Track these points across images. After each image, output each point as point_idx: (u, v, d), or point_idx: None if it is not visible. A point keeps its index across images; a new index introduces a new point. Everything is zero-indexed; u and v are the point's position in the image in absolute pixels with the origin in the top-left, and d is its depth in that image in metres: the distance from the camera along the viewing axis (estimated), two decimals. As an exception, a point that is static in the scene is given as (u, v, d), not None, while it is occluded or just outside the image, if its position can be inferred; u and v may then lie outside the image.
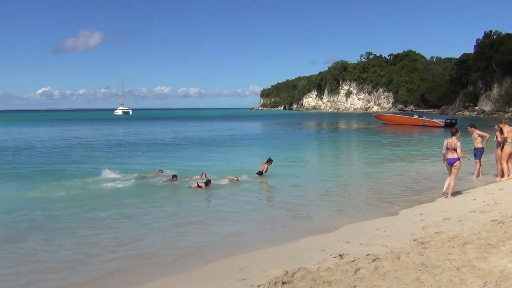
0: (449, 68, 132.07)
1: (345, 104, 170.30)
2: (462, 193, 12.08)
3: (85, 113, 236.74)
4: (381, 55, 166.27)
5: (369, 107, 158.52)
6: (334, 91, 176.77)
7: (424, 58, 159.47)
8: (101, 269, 7.21)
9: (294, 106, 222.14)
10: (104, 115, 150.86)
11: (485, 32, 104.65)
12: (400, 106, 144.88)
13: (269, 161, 15.98)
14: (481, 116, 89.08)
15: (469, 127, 14.50)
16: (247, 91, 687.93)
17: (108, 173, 16.23)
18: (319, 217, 10.51)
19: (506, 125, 13.81)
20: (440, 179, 15.20)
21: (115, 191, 13.67)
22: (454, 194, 11.76)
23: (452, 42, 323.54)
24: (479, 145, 14.19)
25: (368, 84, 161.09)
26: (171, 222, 10.19)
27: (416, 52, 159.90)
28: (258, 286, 5.45)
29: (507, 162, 13.62)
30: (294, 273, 5.69)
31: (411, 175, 16.55)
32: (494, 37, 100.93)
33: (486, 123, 46.08)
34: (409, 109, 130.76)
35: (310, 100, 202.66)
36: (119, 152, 26.81)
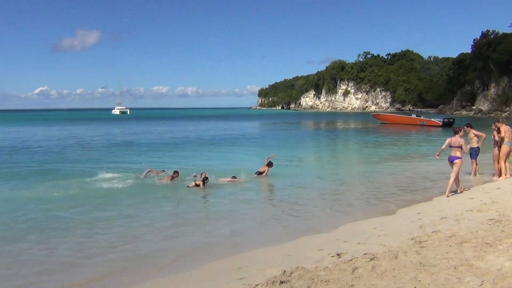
0: (447, 68, 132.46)
1: (343, 104, 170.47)
2: (460, 192, 12.11)
3: (82, 112, 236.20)
4: (378, 55, 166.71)
5: (367, 106, 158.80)
6: (332, 90, 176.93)
7: (422, 57, 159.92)
8: (99, 269, 7.20)
9: (292, 105, 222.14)
10: (101, 115, 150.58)
11: (482, 31, 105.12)
12: (397, 105, 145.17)
13: (270, 164, 15.99)
14: (479, 115, 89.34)
15: (465, 127, 14.55)
16: (244, 90, 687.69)
17: (105, 173, 16.20)
18: (317, 217, 10.52)
19: (504, 125, 13.86)
20: (437, 178, 15.27)
21: (112, 191, 13.64)
22: (452, 193, 11.82)
23: (449, 42, 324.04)
24: (475, 144, 14.22)
25: (365, 84, 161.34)
26: (169, 222, 10.18)
27: (414, 51, 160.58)
28: (256, 285, 5.45)
29: (504, 162, 13.67)
30: (292, 273, 5.70)
31: (409, 174, 16.59)
32: (491, 36, 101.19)
33: (484, 122, 46.23)
34: (406, 109, 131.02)
35: (307, 100, 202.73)
36: (116, 152, 26.75)
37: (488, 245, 6.12)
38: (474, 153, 14.30)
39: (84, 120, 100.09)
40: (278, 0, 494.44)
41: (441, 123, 50.78)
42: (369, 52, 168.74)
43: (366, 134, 43.23)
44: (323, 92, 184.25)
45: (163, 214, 10.84)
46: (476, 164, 14.63)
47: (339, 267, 5.83)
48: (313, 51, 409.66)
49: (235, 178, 14.96)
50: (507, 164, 13.78)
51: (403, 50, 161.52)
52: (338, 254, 6.60)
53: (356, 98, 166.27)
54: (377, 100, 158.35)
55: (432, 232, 7.39)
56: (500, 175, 13.73)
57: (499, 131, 13.75)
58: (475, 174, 14.59)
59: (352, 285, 5.05)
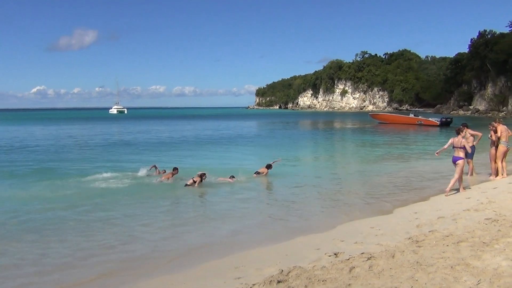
0: (444, 68, 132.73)
1: (340, 103, 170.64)
2: (456, 191, 12.14)
3: (80, 112, 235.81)
4: (376, 55, 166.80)
5: (364, 106, 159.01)
6: (329, 90, 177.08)
7: (419, 57, 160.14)
8: (96, 269, 7.18)
9: (290, 105, 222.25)
10: (99, 114, 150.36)
11: (479, 31, 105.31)
12: (395, 105, 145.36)
13: (269, 166, 15.98)
14: (476, 115, 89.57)
15: (461, 127, 14.59)
16: (242, 90, 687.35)
17: (102, 173, 16.17)
18: (314, 216, 10.53)
19: (500, 124, 13.89)
20: (434, 178, 15.32)
21: (109, 191, 13.60)
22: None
23: (446, 42, 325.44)
24: (471, 144, 14.25)
25: (363, 83, 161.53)
26: (166, 221, 10.17)
27: (411, 51, 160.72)
28: (253, 285, 5.46)
29: (501, 161, 13.71)
30: (289, 272, 5.70)
31: (406, 173, 16.61)
32: (489, 36, 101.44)
33: (481, 122, 46.36)
34: (404, 108, 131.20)
35: (305, 99, 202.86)
36: (113, 151, 26.70)
37: (485, 245, 6.14)
38: (470, 152, 14.33)
39: (81, 119, 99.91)
40: (275, 0, 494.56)
41: (438, 123, 50.91)
42: (366, 51, 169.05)
43: (364, 134, 43.29)
44: (321, 91, 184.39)
45: (161, 214, 10.83)
46: (470, 164, 14.63)
47: (336, 266, 5.84)
48: (310, 50, 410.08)
49: (233, 177, 14.97)
50: (504, 164, 13.82)
51: (401, 49, 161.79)
52: (335, 254, 6.61)
53: (354, 98, 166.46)
54: (375, 100, 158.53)
55: (429, 231, 7.41)
56: (497, 174, 13.77)
57: (496, 131, 13.78)
58: (471, 174, 14.63)
59: (349, 285, 5.06)
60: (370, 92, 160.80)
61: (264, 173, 15.78)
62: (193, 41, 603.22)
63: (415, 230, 7.83)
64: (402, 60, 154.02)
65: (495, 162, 13.78)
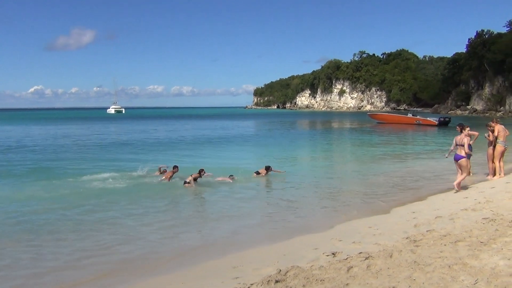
0: (442, 67, 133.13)
1: (338, 103, 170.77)
2: (454, 191, 12.17)
3: (77, 111, 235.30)
4: (374, 54, 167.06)
5: (362, 106, 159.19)
6: (327, 90, 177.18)
7: (417, 57, 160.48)
8: (95, 270, 7.18)
9: (288, 105, 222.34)
10: (96, 114, 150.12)
11: (477, 31, 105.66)
12: (393, 105, 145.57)
13: (268, 168, 15.97)
14: (473, 115, 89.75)
15: (457, 127, 14.64)
16: (240, 90, 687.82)
17: (100, 173, 16.16)
18: (312, 216, 10.54)
19: (498, 124, 13.91)
20: (433, 177, 15.35)
21: (107, 191, 13.57)
22: (446, 191, 11.89)
23: (444, 42, 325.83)
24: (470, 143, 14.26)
25: (361, 83, 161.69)
26: (164, 221, 10.16)
27: (409, 51, 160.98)
28: (251, 284, 5.46)
29: (499, 161, 13.73)
30: (287, 272, 5.70)
31: (403, 173, 16.64)
32: (486, 36, 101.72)
33: (478, 122, 46.45)
34: (401, 108, 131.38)
35: (303, 99, 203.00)
36: (111, 151, 26.67)
37: (482, 244, 6.15)
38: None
39: (79, 119, 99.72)
40: (274, 0, 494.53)
41: (437, 123, 51.03)
42: (364, 51, 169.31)
43: (362, 134, 43.34)
44: (319, 91, 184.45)
45: (159, 214, 10.81)
46: (468, 163, 14.64)
47: (334, 266, 5.84)
48: (309, 50, 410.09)
49: (233, 177, 14.98)
50: (502, 164, 13.85)
51: (398, 49, 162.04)
52: (333, 253, 6.61)
53: (352, 98, 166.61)
54: (372, 100, 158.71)
55: (427, 231, 7.42)
56: (494, 174, 13.79)
57: (493, 131, 13.80)
58: (468, 174, 14.62)
59: (347, 284, 5.07)
60: (368, 92, 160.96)
61: (263, 174, 15.79)
62: (191, 40, 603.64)
63: (413, 229, 7.84)
64: (400, 60, 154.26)
65: (493, 161, 13.80)
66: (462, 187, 12.18)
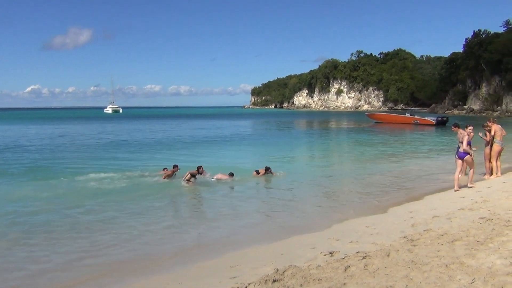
0: (439, 67, 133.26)
1: (336, 103, 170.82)
2: (451, 190, 12.20)
3: (74, 111, 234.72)
4: (371, 54, 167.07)
5: (360, 105, 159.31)
6: (325, 89, 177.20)
7: (414, 57, 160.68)
8: (92, 269, 7.17)
9: (285, 104, 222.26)
10: (93, 114, 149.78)
11: (474, 31, 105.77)
12: (390, 104, 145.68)
13: (268, 169, 15.97)
14: (470, 114, 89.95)
15: (452, 127, 14.68)
16: (238, 89, 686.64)
17: (97, 172, 16.14)
18: (309, 215, 10.54)
19: (495, 124, 13.94)
20: (429, 177, 15.38)
21: (105, 190, 13.54)
22: (442, 191, 11.93)
23: (441, 41, 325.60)
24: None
25: (358, 83, 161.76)
26: (162, 220, 10.15)
27: (406, 50, 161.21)
28: (249, 284, 5.45)
29: (496, 160, 13.76)
30: (285, 271, 5.71)
31: (401, 173, 16.67)
32: (483, 36, 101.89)
33: (475, 121, 46.50)
34: (399, 108, 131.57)
35: (301, 99, 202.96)
36: (108, 151, 26.62)
37: (479, 244, 6.17)
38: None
39: (76, 119, 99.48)
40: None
41: (435, 122, 51.14)
42: (362, 51, 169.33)
43: (360, 133, 43.35)
44: (316, 91, 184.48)
45: (157, 213, 10.80)
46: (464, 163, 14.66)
47: (331, 265, 5.84)
48: (306, 50, 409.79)
49: (232, 175, 15.00)
50: (499, 163, 13.89)
51: (396, 49, 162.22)
52: (330, 253, 6.62)
53: (349, 97, 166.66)
54: (370, 99, 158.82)
55: (424, 230, 7.44)
56: (491, 173, 13.82)
57: (490, 130, 13.83)
58: (464, 174, 14.61)
59: (344, 284, 5.07)
60: (365, 92, 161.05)
61: (262, 174, 15.80)
62: (189, 40, 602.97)
63: (410, 229, 7.86)
64: (397, 59, 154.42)
65: (490, 161, 13.84)
66: (460, 186, 12.22)
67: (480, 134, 13.99)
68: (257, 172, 15.77)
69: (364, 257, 6.01)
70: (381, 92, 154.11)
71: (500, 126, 13.93)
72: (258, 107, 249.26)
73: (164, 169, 15.59)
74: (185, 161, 19.90)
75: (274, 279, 5.43)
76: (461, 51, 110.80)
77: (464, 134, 12.27)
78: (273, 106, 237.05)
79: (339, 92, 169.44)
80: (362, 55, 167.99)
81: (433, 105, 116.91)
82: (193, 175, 14.24)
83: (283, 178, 15.64)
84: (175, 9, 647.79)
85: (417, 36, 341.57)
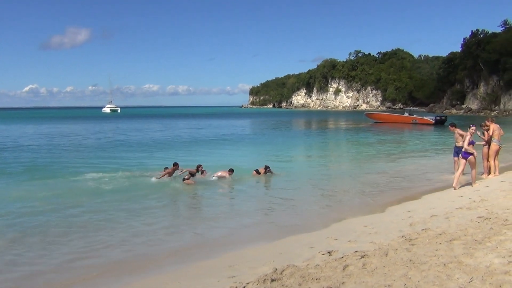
0: (437, 67, 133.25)
1: (334, 102, 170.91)
2: (448, 190, 12.22)
3: (72, 111, 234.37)
4: (369, 54, 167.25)
5: (358, 105, 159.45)
6: (323, 89, 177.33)
7: (412, 56, 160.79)
8: (90, 269, 7.16)
9: (283, 104, 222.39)
10: (92, 113, 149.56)
11: (472, 31, 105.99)
12: (388, 104, 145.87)
13: (267, 168, 15.97)
14: (468, 114, 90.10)
15: (449, 127, 14.71)
16: (236, 89, 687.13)
17: (95, 172, 16.12)
18: (308, 215, 10.55)
19: (493, 123, 13.96)
20: (427, 176, 15.40)
21: (103, 190, 13.52)
22: (440, 190, 11.94)
23: (439, 41, 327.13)
24: (460, 143, 14.30)
25: (356, 82, 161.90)
26: (161, 220, 10.15)
27: (404, 50, 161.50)
28: (247, 283, 5.45)
29: (494, 159, 13.78)
30: (283, 270, 5.70)
31: (399, 172, 16.69)
32: (481, 36, 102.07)
33: (473, 121, 46.56)
34: (397, 107, 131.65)
35: (299, 98, 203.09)
36: (106, 151, 26.56)
37: (477, 243, 6.18)
38: (459, 151, 14.37)
39: (74, 118, 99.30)
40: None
41: (433, 121, 51.20)
42: (360, 50, 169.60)
43: (358, 133, 43.40)
44: (314, 90, 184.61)
45: (155, 213, 10.79)
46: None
47: (330, 264, 5.85)
48: (304, 49, 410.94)
49: (232, 171, 15.02)
50: (497, 162, 13.90)
51: (394, 49, 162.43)
52: (329, 252, 6.62)
53: (347, 97, 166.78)
54: (368, 99, 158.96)
55: (422, 229, 7.44)
56: (489, 173, 13.84)
57: (488, 130, 13.84)
58: (462, 172, 14.61)
59: (343, 283, 5.07)
60: (363, 91, 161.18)
61: (262, 173, 15.80)
62: (187, 39, 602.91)
63: (408, 228, 7.86)
64: (395, 59, 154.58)
65: (488, 160, 13.86)
66: (456, 185, 12.25)
67: (478, 133, 14.01)
68: (257, 172, 15.77)
69: (362, 256, 6.01)
70: (379, 91, 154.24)
71: (498, 125, 13.94)
72: (256, 107, 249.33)
73: (165, 169, 15.54)
74: (184, 160, 19.85)
75: (273, 278, 5.43)
76: (459, 51, 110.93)
77: (467, 134, 12.33)
78: (271, 106, 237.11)
79: (337, 92, 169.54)
80: (360, 54, 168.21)
81: (431, 105, 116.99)
82: (192, 174, 14.25)
83: (282, 178, 15.65)
84: (173, 9, 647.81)
85: (415, 36, 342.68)
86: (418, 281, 4.89)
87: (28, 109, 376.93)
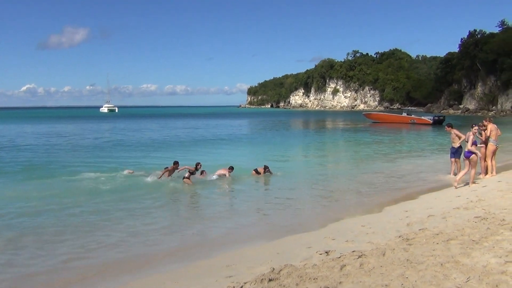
0: (434, 67, 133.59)
1: (332, 102, 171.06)
2: (446, 189, 12.25)
3: (70, 110, 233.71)
4: (367, 54, 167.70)
5: (356, 105, 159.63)
6: (321, 89, 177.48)
7: (410, 56, 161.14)
8: (86, 269, 7.15)
9: (281, 104, 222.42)
10: (89, 113, 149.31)
11: (469, 31, 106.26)
12: (386, 104, 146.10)
13: (266, 167, 15.97)
14: (466, 114, 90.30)
15: (446, 127, 14.75)
16: (234, 88, 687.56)
17: (94, 171, 16.08)
18: (305, 215, 10.56)
19: (490, 123, 13.99)
20: (425, 176, 15.42)
21: (100, 190, 13.48)
22: (438, 190, 11.96)
23: (437, 41, 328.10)
24: (457, 144, 14.35)
25: (354, 82, 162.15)
26: (158, 220, 10.14)
27: (402, 50, 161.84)
28: (245, 283, 5.45)
29: (491, 159, 13.81)
30: (281, 270, 5.71)
31: (397, 172, 16.70)
32: (478, 36, 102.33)
33: (471, 121, 46.66)
34: (395, 107, 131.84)
35: (297, 98, 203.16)
36: (104, 150, 26.52)
37: (474, 242, 6.20)
38: (457, 152, 14.43)
39: (72, 118, 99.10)
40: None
41: (431, 121, 51.32)
42: (358, 50, 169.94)
43: (357, 133, 43.44)
44: (312, 90, 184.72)
45: (153, 213, 10.78)
46: (458, 163, 14.68)
47: (327, 264, 5.85)
48: (302, 49, 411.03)
49: (232, 168, 15.03)
50: (494, 162, 13.94)
51: (392, 49, 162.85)
52: (326, 252, 6.63)
53: (345, 97, 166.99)
54: (366, 99, 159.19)
55: (419, 229, 7.46)
56: (486, 173, 13.88)
57: (485, 129, 13.88)
58: (454, 174, 14.63)
59: (340, 282, 5.08)
60: (361, 91, 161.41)
61: (261, 173, 15.80)
62: (185, 39, 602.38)
63: (405, 228, 7.88)
64: (393, 59, 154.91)
65: (485, 160, 13.89)
66: (451, 184, 12.29)
67: (476, 133, 14.05)
68: (256, 171, 15.77)
69: (359, 256, 6.03)
70: (377, 91, 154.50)
71: (495, 125, 13.99)
72: (254, 107, 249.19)
73: (165, 168, 15.49)
74: (182, 160, 19.80)
75: (270, 278, 5.44)
76: (457, 51, 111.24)
77: (469, 134, 12.46)
78: (269, 106, 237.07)
79: (335, 92, 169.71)
80: (358, 54, 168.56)
81: (428, 105, 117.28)
82: (191, 173, 14.25)
83: (280, 178, 15.66)
84: (171, 8, 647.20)
85: (413, 36, 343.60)
86: (415, 281, 4.91)
87: (26, 108, 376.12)
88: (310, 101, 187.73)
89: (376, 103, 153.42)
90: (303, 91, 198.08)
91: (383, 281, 5.00)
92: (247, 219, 10.27)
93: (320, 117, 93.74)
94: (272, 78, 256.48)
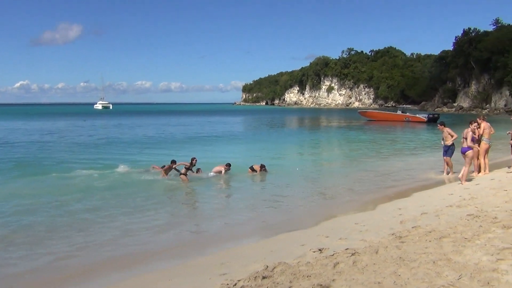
0: (429, 65, 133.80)
1: (327, 100, 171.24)
2: (439, 187, 12.31)
3: (64, 107, 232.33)
4: (362, 52, 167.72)
5: (350, 103, 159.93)
6: (316, 86, 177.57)
7: (404, 54, 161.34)
8: (79, 267, 7.13)
9: (276, 101, 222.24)
10: (83, 110, 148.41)
11: (464, 29, 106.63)
12: (380, 102, 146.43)
13: (263, 166, 15.97)
14: (460, 112, 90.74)
15: (438, 125, 14.81)
16: (228, 86, 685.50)
17: (88, 169, 16.03)
18: (299, 212, 10.59)
19: (484, 121, 14.05)
20: (419, 174, 15.49)
21: (94, 187, 13.42)
22: (431, 188, 12.02)
23: (431, 39, 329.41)
24: (449, 142, 14.39)
25: (349, 80, 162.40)
26: (152, 218, 10.11)
27: (397, 48, 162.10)
28: (238, 280, 5.46)
29: (483, 158, 13.89)
30: (274, 268, 5.72)
31: (390, 170, 16.76)
32: (473, 34, 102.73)
33: (465, 119, 46.91)
34: (389, 105, 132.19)
35: (292, 96, 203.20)
36: (98, 147, 26.42)
37: (466, 240, 6.24)
38: (449, 150, 14.47)
39: (66, 115, 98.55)
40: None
41: (426, 119, 51.58)
42: (352, 48, 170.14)
43: (351, 131, 43.56)
44: (307, 88, 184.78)
45: (147, 211, 10.75)
46: (449, 162, 14.73)
47: (320, 262, 5.87)
48: (297, 47, 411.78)
49: (229, 165, 15.03)
50: (486, 160, 14.01)
51: (386, 47, 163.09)
52: (320, 250, 6.65)
53: (340, 94, 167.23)
54: (361, 97, 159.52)
55: (412, 227, 7.50)
56: (479, 171, 13.95)
57: (479, 128, 13.93)
58: (447, 173, 14.70)
59: (333, 280, 5.10)
60: (356, 89, 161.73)
61: (258, 171, 15.81)
62: (180, 36, 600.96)
63: (398, 226, 7.91)
64: (387, 57, 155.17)
65: (478, 158, 13.96)
66: (446, 182, 12.34)
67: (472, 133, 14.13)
68: (252, 169, 15.78)
69: (353, 254, 6.05)
70: (371, 89, 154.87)
71: (489, 124, 14.04)
72: (249, 104, 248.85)
73: (163, 166, 15.43)
74: (177, 156, 19.77)
75: (264, 275, 5.45)
76: (451, 49, 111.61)
77: (468, 131, 12.63)
78: (264, 103, 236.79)
79: (330, 89, 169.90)
80: (353, 52, 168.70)
81: (423, 103, 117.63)
82: (188, 168, 14.22)
83: (275, 175, 15.67)
84: (166, 6, 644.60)
85: (407, 34, 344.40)
86: (408, 278, 4.94)
87: (19, 105, 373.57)
88: (305, 98, 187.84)
89: (371, 101, 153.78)
90: (298, 88, 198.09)
91: (376, 278, 5.02)
92: (241, 217, 10.27)
93: (315, 114, 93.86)
94: (267, 75, 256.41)
